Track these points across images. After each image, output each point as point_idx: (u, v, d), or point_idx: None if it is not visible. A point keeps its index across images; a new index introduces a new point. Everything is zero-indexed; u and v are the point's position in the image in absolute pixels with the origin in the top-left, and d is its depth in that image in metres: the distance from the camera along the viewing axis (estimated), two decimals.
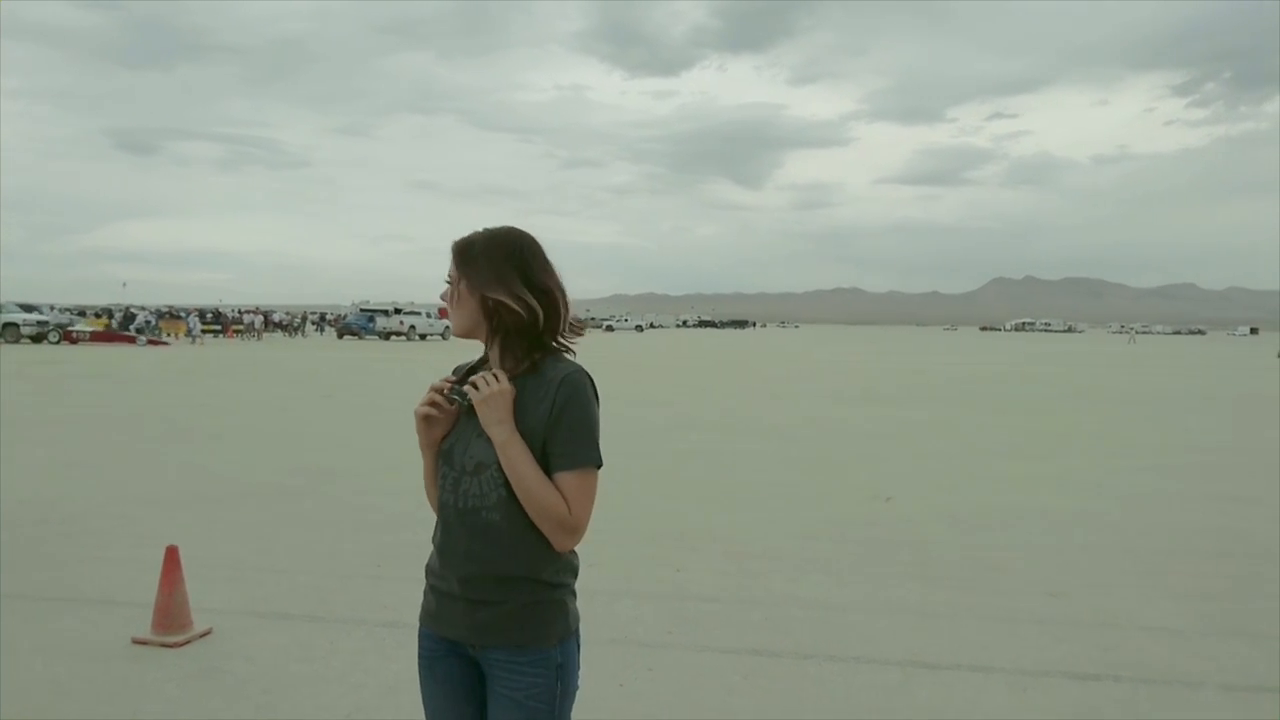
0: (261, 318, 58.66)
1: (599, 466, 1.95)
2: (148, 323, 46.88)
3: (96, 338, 42.02)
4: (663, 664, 4.38)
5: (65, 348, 36.94)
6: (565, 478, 1.91)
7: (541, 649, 1.95)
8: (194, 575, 5.01)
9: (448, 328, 59.34)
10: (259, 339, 50.15)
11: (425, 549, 6.77)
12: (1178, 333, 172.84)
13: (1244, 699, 4.10)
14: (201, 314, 56.90)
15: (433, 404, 2.02)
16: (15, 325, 39.62)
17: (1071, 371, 32.87)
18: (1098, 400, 20.50)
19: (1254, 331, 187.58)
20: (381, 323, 53.96)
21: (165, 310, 62.91)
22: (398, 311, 57.23)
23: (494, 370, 1.97)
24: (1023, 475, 9.92)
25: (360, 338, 53.18)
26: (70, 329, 42.20)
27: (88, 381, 20.76)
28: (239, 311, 65.17)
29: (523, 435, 1.90)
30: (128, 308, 63.38)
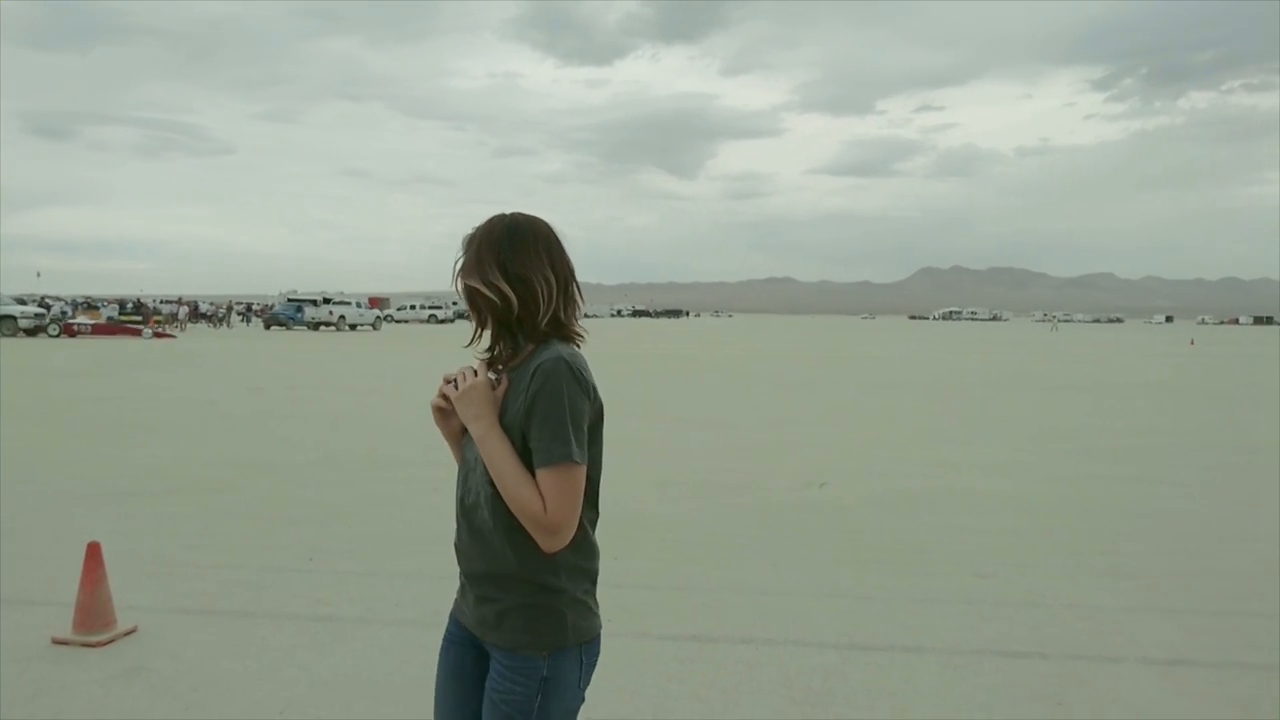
0: (185, 308, 57.13)
1: (573, 461, 1.82)
2: (64, 313, 45.05)
3: (99, 330, 39.95)
4: (601, 652, 4.37)
5: (64, 341, 34.90)
6: (540, 474, 1.81)
7: (527, 656, 1.87)
8: (117, 572, 4.87)
9: (378, 317, 58.53)
10: (183, 330, 48.78)
11: (358, 542, 6.73)
12: (1097, 321, 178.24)
13: (1162, 672, 4.25)
14: (121, 305, 55.22)
15: (444, 396, 1.97)
16: (12, 318, 37.38)
17: (996, 359, 33.67)
18: (1022, 387, 21.03)
19: (1169, 320, 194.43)
20: (310, 313, 52.94)
21: (82, 301, 60.85)
22: (326, 301, 56.16)
23: (474, 364, 1.95)
24: (951, 460, 10.13)
25: (288, 328, 52.11)
26: (71, 322, 40.10)
27: (8, 375, 20.01)
28: (161, 302, 63.38)
29: (506, 429, 1.85)
30: (43, 298, 61.18)
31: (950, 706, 3.83)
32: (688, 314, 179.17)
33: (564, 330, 1.93)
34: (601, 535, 6.74)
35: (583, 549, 1.94)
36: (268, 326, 53.87)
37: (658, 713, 3.78)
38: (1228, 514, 7.61)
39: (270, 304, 66.16)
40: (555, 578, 1.88)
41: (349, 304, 57.23)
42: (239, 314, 71.12)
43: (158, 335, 39.91)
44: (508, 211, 1.98)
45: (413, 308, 78.17)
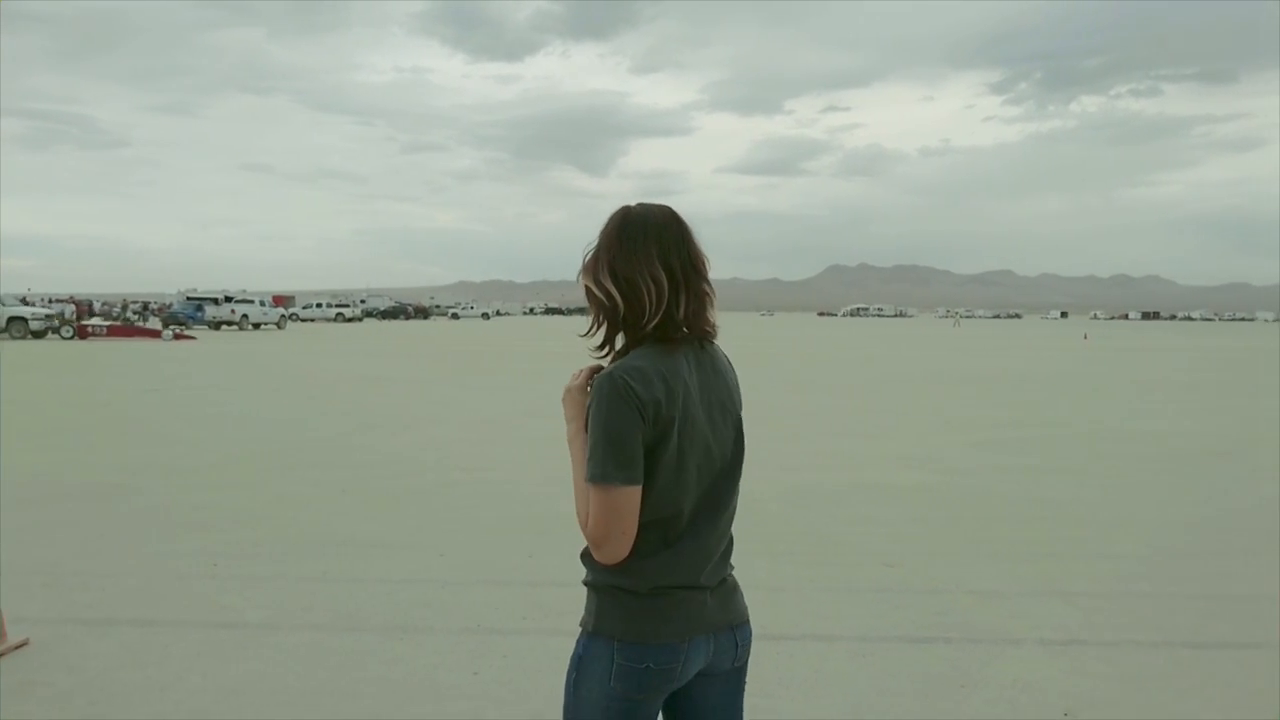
0: (74, 307, 54.70)
1: (604, 483, 1.74)
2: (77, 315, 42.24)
3: (114, 332, 38.17)
4: (518, 650, 4.36)
5: (76, 344, 33.01)
6: (589, 489, 1.78)
7: (580, 631, 1.91)
8: (6, 583, 4.66)
9: (283, 316, 57.01)
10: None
11: (264, 545, 6.56)
12: (997, 317, 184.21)
13: (1059, 651, 4.43)
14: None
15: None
16: (23, 320, 35.67)
17: (903, 354, 34.55)
18: (927, 381, 21.63)
19: (1064, 315, 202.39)
20: (211, 311, 51.29)
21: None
22: (228, 300, 54.45)
23: (592, 365, 1.94)
24: (860, 454, 10.36)
25: (188, 328, 50.42)
26: (86, 324, 38.18)
27: None
28: (50, 301, 60.54)
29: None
30: None
31: (859, 691, 3.92)
32: None
33: (667, 332, 1.84)
34: (516, 535, 6.71)
35: (644, 553, 1.83)
36: (166, 326, 52.01)
37: None
38: (1117, 501, 7.96)
39: (168, 303, 63.87)
40: (613, 573, 1.84)
41: (252, 302, 55.59)
42: (135, 313, 68.46)
43: (178, 337, 38.01)
44: (634, 203, 1.92)
45: (319, 306, 76.38)
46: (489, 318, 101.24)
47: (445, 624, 4.73)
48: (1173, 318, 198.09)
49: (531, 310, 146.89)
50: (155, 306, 71.79)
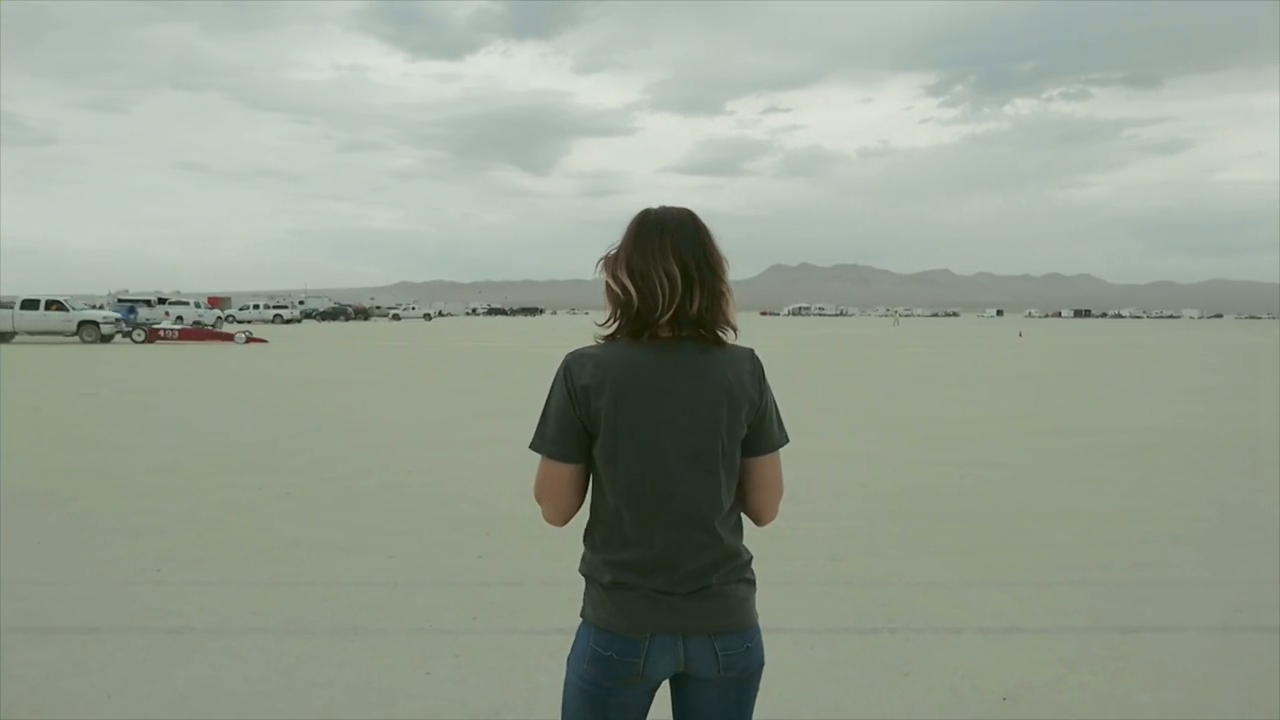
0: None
1: (534, 449, 1.99)
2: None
3: (185, 335, 37.61)
4: (469, 649, 4.38)
5: (147, 348, 32.91)
6: None
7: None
8: None
9: (219, 318, 55.88)
10: None
11: (208, 550, 6.50)
12: (935, 315, 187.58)
13: (998, 639, 4.58)
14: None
15: None
16: (94, 324, 35.28)
17: (845, 352, 35.04)
18: (869, 379, 21.99)
19: (1000, 314, 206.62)
20: (144, 314, 50.10)
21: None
22: (162, 301, 53.27)
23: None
24: (805, 451, 10.49)
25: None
26: (157, 327, 37.59)
27: None
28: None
29: None
30: None
31: (806, 682, 4.02)
32: (544, 311, 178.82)
33: (651, 327, 1.90)
34: (465, 535, 6.72)
35: (595, 540, 1.97)
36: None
37: (529, 703, 3.82)
38: (1053, 494, 8.20)
39: (99, 304, 62.17)
40: (585, 560, 1.99)
41: (186, 304, 54.47)
42: None
43: (250, 340, 37.32)
44: (655, 206, 1.98)
45: (256, 307, 75.00)
46: (431, 319, 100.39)
47: (396, 625, 4.72)
48: (1103, 315, 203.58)
49: (474, 311, 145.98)
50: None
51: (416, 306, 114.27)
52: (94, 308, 41.78)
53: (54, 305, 35.48)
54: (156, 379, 20.07)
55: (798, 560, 5.89)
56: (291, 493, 7.95)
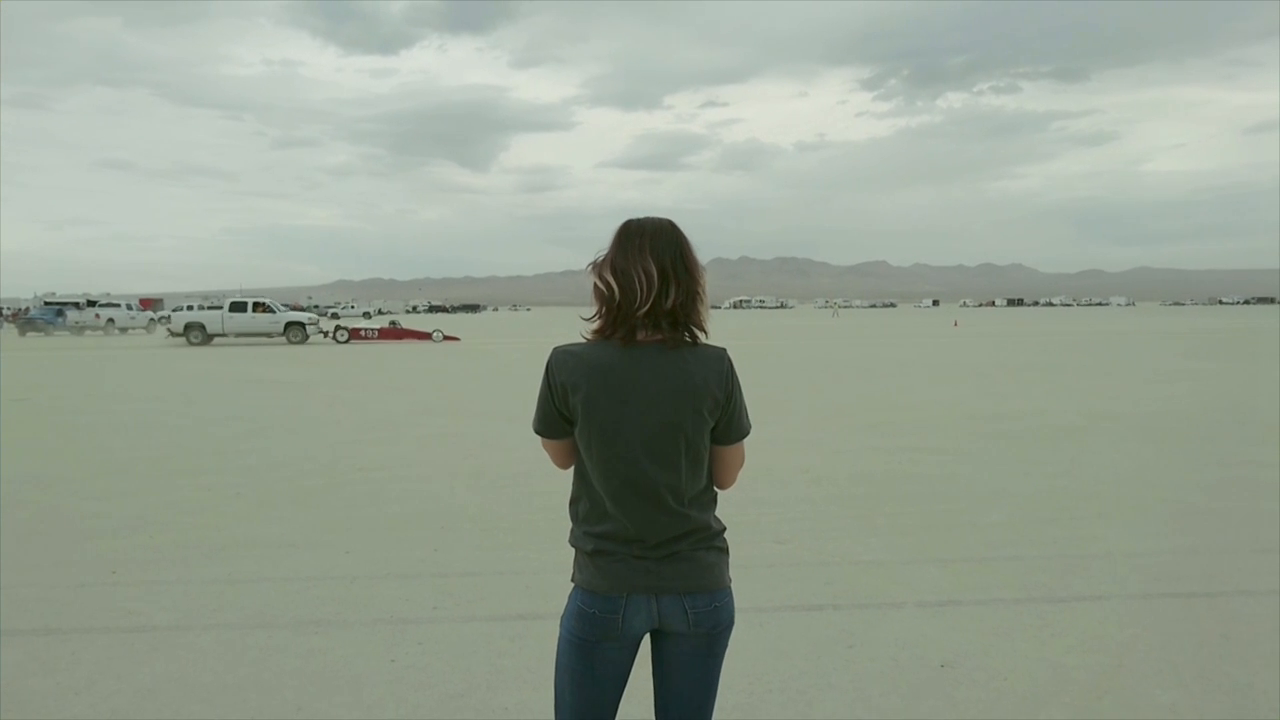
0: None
1: (533, 425, 2.24)
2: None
3: (385, 335, 38.75)
4: (431, 637, 4.51)
5: (348, 347, 34.44)
6: None
7: None
8: None
9: (152, 320, 54.63)
10: None
11: (163, 551, 6.58)
12: (874, 306, 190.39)
13: (936, 611, 4.84)
14: None
15: None
16: (300, 325, 37.07)
17: (787, 344, 35.53)
18: (812, 370, 22.39)
19: (936, 304, 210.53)
20: (73, 316, 48.85)
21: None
22: (91, 304, 51.95)
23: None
24: (751, 439, 10.72)
25: (47, 334, 47.88)
26: (358, 327, 39.50)
27: None
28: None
29: None
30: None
31: (756, 657, 4.22)
32: (484, 308, 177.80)
33: (631, 320, 2.08)
34: (420, 530, 6.86)
35: (578, 514, 2.22)
36: (22, 333, 49.19)
37: (492, 685, 3.97)
38: (987, 476, 8.55)
39: (24, 307, 60.40)
40: (572, 533, 2.24)
41: (117, 306, 53.18)
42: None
43: (446, 338, 38.93)
44: (638, 217, 2.17)
45: (189, 308, 73.43)
46: (370, 317, 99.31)
47: (358, 617, 4.83)
48: (1035, 304, 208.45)
49: (415, 308, 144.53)
50: (9, 312, 67.68)
51: (356, 305, 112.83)
52: (21, 310, 40.73)
53: (261, 307, 37.17)
54: (86, 382, 19.67)
55: (746, 544, 6.10)
56: (241, 493, 7.96)
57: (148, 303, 70.48)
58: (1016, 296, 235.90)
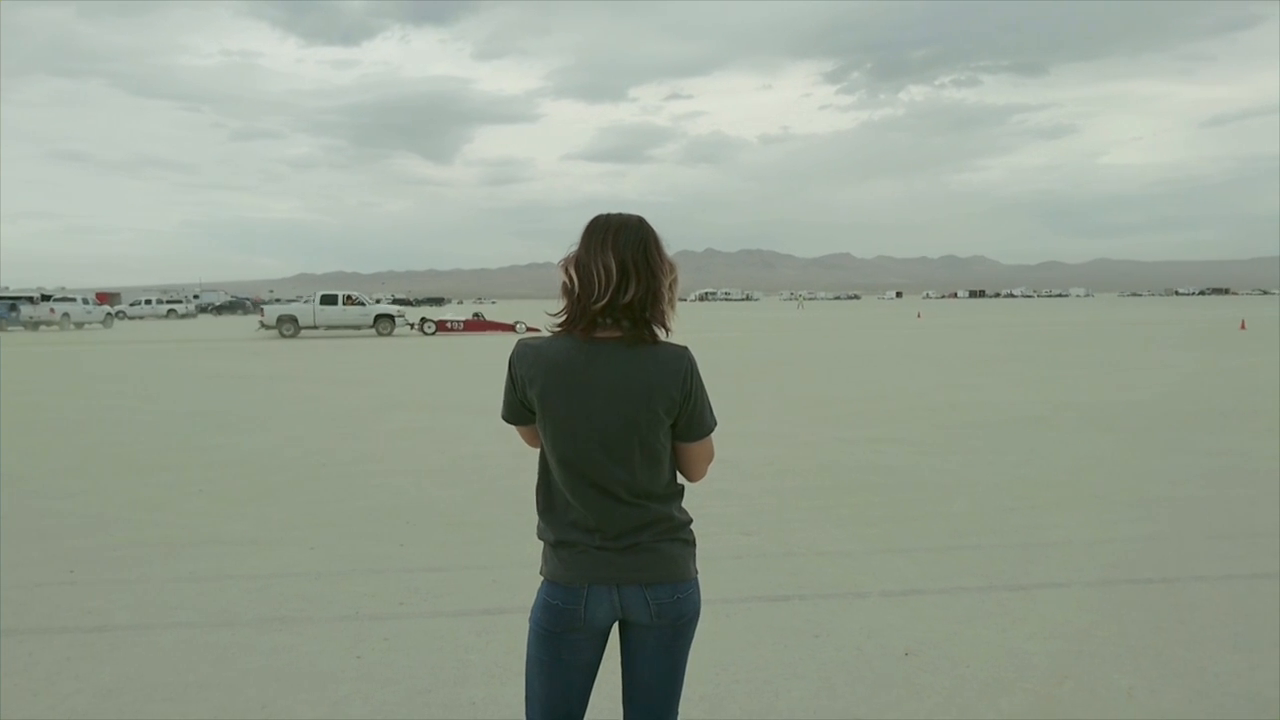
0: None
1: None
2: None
3: (470, 327, 40.08)
4: (398, 633, 4.49)
5: (434, 339, 35.42)
6: None
7: None
8: None
9: (109, 314, 53.69)
10: None
11: (122, 550, 6.50)
12: (838, 298, 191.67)
13: (900, 600, 4.89)
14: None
15: None
16: (389, 317, 37.34)
17: (752, 337, 35.67)
18: (777, 363, 22.50)
19: (899, 295, 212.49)
20: (27, 311, 47.86)
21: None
22: (46, 298, 50.93)
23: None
24: (717, 433, 10.78)
25: (0, 329, 46.90)
26: (445, 319, 40.35)
27: None
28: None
29: None
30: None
31: (725, 648, 4.25)
32: (448, 301, 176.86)
33: (590, 314, 2.09)
34: (385, 525, 6.81)
35: (542, 505, 2.24)
36: None
37: (459, 680, 3.96)
38: (950, 467, 8.64)
39: None
40: (538, 526, 2.26)
41: (74, 300, 52.19)
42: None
43: (529, 330, 37.60)
44: (610, 213, 2.18)
45: (148, 302, 72.28)
46: None
47: (323, 614, 4.79)
48: (997, 295, 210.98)
49: (379, 301, 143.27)
50: None
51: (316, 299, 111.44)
52: None
53: (350, 300, 37.58)
54: (45, 377, 19.31)
55: (713, 536, 6.12)
56: (202, 490, 7.86)
57: (104, 297, 69.30)
58: (979, 288, 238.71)
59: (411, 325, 39.02)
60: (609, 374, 2.09)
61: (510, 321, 41.71)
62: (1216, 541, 5.95)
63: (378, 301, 40.58)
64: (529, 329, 39.19)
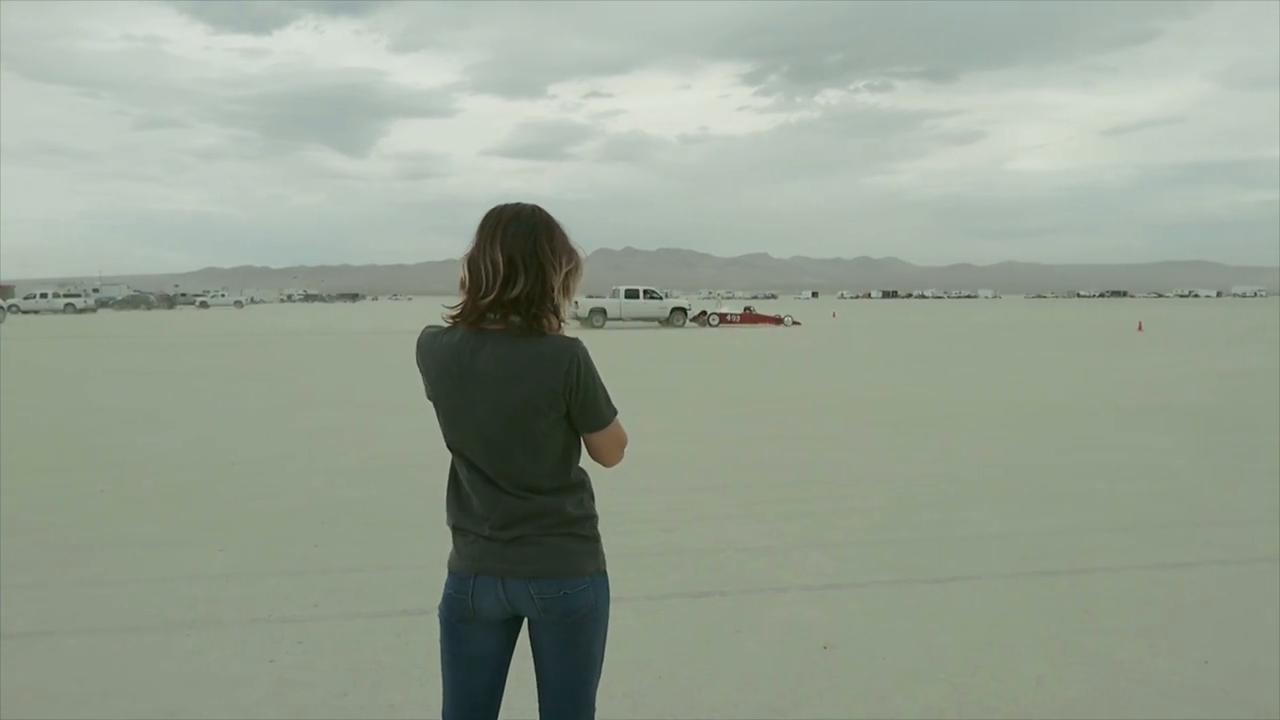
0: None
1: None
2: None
3: (745, 319, 43.54)
4: (313, 636, 4.38)
5: (712, 330, 38.05)
6: None
7: None
8: None
9: (1, 308, 51.37)
10: None
11: (18, 554, 6.26)
12: (756, 297, 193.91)
13: (819, 595, 4.96)
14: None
15: None
16: (683, 310, 41.81)
17: (671, 335, 35.84)
18: (695, 361, 22.65)
19: (815, 295, 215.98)
20: None
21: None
22: None
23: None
24: (637, 431, 10.78)
25: None
26: (725, 313, 43.51)
27: None
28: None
29: None
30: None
31: (646, 645, 4.25)
32: (363, 298, 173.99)
33: (479, 309, 2.08)
34: (299, 525, 6.65)
35: (448, 492, 2.27)
36: None
37: (376, 683, 3.88)
38: (868, 462, 8.82)
39: None
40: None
41: None
42: None
43: (793, 323, 43.24)
44: (508, 203, 2.16)
45: (44, 296, 69.35)
46: (243, 306, 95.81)
47: (234, 617, 4.65)
48: (909, 296, 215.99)
49: (289, 297, 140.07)
50: None
51: (226, 294, 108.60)
52: None
53: (649, 294, 42.00)
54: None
55: (633, 534, 6.14)
56: (104, 490, 7.57)
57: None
58: (891, 289, 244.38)
59: (692, 319, 42.37)
60: (491, 365, 2.08)
61: (774, 315, 46.13)
62: (1118, 534, 6.18)
63: (666, 296, 43.52)
64: (794, 322, 43.40)
